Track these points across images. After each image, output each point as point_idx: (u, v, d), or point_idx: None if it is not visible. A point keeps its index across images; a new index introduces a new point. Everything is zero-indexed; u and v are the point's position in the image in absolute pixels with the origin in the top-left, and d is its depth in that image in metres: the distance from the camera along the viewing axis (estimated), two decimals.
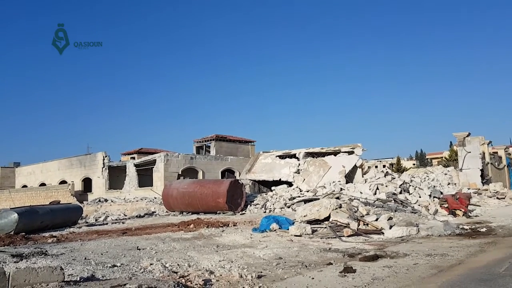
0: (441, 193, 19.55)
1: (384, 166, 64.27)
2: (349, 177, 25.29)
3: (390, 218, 11.44)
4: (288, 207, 19.78)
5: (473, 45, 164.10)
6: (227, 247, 9.03)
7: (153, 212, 22.62)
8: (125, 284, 4.52)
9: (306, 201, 18.13)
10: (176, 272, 6.40)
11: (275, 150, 30.62)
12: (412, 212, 14.59)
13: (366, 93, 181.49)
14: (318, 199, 15.70)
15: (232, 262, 7.16)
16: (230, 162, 35.91)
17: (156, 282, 4.78)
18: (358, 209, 12.76)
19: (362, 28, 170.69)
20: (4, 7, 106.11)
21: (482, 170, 25.38)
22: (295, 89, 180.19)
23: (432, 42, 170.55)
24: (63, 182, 37.67)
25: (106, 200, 29.73)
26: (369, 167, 35.13)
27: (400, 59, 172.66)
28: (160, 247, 9.23)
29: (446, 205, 15.39)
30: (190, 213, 20.40)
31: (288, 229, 10.90)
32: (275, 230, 11.30)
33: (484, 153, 26.69)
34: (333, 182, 23.77)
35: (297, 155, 28.49)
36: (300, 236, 10.30)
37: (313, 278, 5.80)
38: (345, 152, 26.93)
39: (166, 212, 21.93)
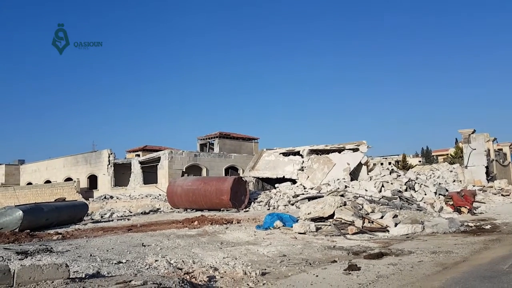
0: (447, 190, 19.48)
1: (389, 164, 64.23)
2: (354, 174, 25.24)
3: (395, 216, 11.41)
4: (292, 204, 19.77)
5: (478, 42, 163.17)
6: (231, 244, 9.05)
7: (158, 209, 22.71)
8: (130, 281, 4.54)
9: (310, 198, 18.11)
10: (181, 269, 6.43)
11: (279, 148, 30.61)
12: (418, 210, 14.53)
13: (371, 90, 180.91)
14: (322, 196, 15.68)
15: (236, 259, 7.18)
16: (234, 160, 35.96)
17: (161, 279, 4.80)
18: (363, 207, 12.73)
19: (368, 24, 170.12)
20: (4, 7, 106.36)
21: (487, 167, 25.28)
22: (298, 86, 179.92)
23: (437, 39, 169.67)
24: (68, 179, 37.86)
25: (111, 197, 29.87)
26: (374, 165, 35.05)
27: (405, 56, 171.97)
28: (165, 244, 9.26)
29: (451, 203, 15.35)
30: (194, 210, 20.46)
31: (292, 227, 10.90)
32: (279, 228, 11.31)
33: (489, 150, 26.58)
34: (338, 179, 23.73)
35: (301, 152, 28.46)
36: (304, 233, 10.30)
37: (317, 276, 5.80)
38: (349, 149, 26.87)
39: (171, 209, 22.00)
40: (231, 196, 19.60)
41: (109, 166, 34.86)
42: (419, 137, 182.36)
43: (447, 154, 67.58)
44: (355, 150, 26.63)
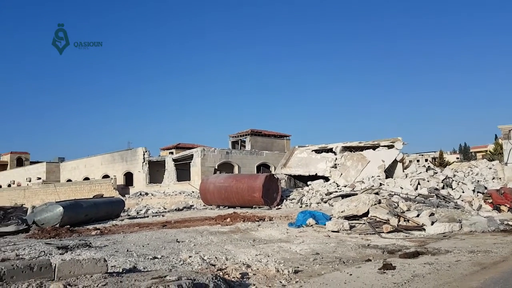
0: (485, 188, 18.75)
1: (426, 160, 62.52)
2: (389, 172, 24.73)
3: (431, 214, 11.10)
4: (325, 202, 19.60)
5: None
6: (264, 242, 9.07)
7: (191, 205, 23.04)
8: (165, 276, 4.63)
9: (343, 196, 17.91)
10: (214, 265, 6.50)
11: (311, 145, 30.39)
12: (455, 208, 14.09)
13: (407, 85, 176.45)
14: (356, 194, 15.47)
15: (268, 256, 7.19)
16: (265, 157, 35.97)
17: (195, 274, 4.87)
18: (398, 205, 12.47)
19: (402, 17, 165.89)
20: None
21: None
22: (331, 83, 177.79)
23: (477, 30, 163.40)
24: (106, 176, 38.95)
25: (146, 194, 30.54)
26: (410, 162, 34.28)
27: (443, 49, 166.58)
28: (199, 240, 9.39)
29: (490, 201, 14.77)
30: (227, 207, 20.63)
31: (325, 225, 10.80)
32: (311, 226, 11.24)
33: None
34: (372, 177, 23.32)
35: (334, 150, 28.14)
36: (337, 231, 10.19)
37: (351, 274, 5.73)
38: (384, 146, 26.35)
39: (204, 205, 22.28)
40: (263, 193, 19.63)
41: (144, 163, 35.63)
42: (457, 134, 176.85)
43: (486, 151, 65.15)
44: (390, 147, 26.09)
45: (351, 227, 10.51)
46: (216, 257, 7.17)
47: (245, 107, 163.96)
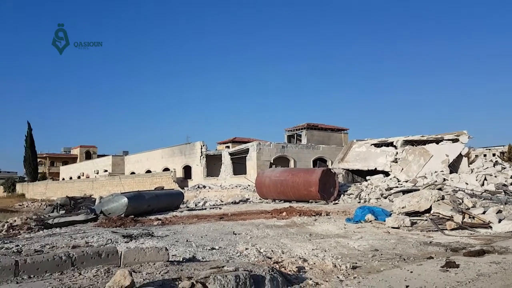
0: None
1: (493, 155, 58.69)
2: (453, 166, 23.51)
3: (499, 211, 10.44)
4: (385, 197, 19.06)
5: None
6: (320, 236, 8.98)
7: (247, 199, 23.34)
8: (223, 266, 4.72)
9: (404, 191, 17.32)
10: (270, 258, 6.54)
11: (370, 138, 29.57)
12: None
13: (472, 73, 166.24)
14: (418, 189, 14.89)
15: (325, 251, 7.11)
16: (322, 151, 35.55)
17: (252, 266, 4.92)
18: (462, 201, 11.84)
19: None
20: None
21: None
22: (390, 72, 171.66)
23: None
24: (166, 169, 40.45)
25: (204, 187, 31.36)
26: (476, 156, 32.38)
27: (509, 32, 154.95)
28: (255, 233, 9.49)
29: None
30: (282, 201, 20.66)
31: (384, 221, 10.50)
32: (370, 221, 10.98)
33: None
34: (435, 172, 22.31)
35: (394, 143, 27.21)
36: (397, 228, 9.87)
37: (411, 272, 5.52)
38: (448, 140, 25.07)
39: (259, 199, 22.47)
40: (320, 188, 19.43)
41: (201, 157, 36.56)
42: None
43: None
44: (455, 140, 24.76)
45: (412, 223, 10.13)
46: (272, 250, 7.21)
47: (301, 101, 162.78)
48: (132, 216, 14.19)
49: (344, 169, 27.43)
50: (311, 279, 5.16)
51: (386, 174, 25.15)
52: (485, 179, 18.51)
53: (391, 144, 27.44)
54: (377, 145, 28.11)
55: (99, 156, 70.99)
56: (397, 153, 25.97)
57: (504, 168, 20.76)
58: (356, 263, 6.13)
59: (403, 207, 11.16)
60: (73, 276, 4.58)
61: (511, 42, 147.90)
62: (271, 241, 8.27)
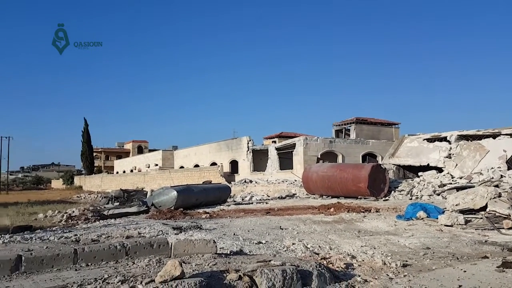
0: None
1: None
2: (511, 163, 22.20)
3: None
4: (438, 194, 18.35)
5: None
6: (369, 233, 8.80)
7: (294, 194, 23.27)
8: (270, 260, 4.75)
9: (458, 188, 16.56)
10: (317, 254, 6.49)
11: (422, 133, 28.52)
12: None
13: None
14: (473, 186, 14.20)
15: (375, 248, 6.95)
16: (372, 146, 34.69)
17: (299, 261, 4.91)
18: None
19: None
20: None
21: None
22: (443, 65, 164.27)
23: None
24: (213, 163, 41.13)
25: (250, 182, 31.60)
26: None
27: None
28: (301, 228, 9.45)
29: None
30: (330, 196, 20.42)
31: (437, 218, 10.11)
32: (422, 219, 10.61)
33: None
34: (491, 168, 21.16)
35: (448, 138, 26.07)
36: (451, 226, 9.47)
37: (465, 271, 5.28)
38: (506, 134, 23.68)
39: (306, 194, 22.34)
40: (369, 183, 19.01)
41: (248, 152, 36.82)
42: None
43: None
44: None
45: (467, 221, 9.67)
46: (319, 246, 7.15)
47: (350, 95, 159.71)
48: (181, 209, 14.58)
49: (395, 164, 26.67)
50: (359, 276, 5.08)
51: (439, 170, 24.19)
52: None
53: (444, 139, 26.33)
54: (430, 140, 27.07)
55: (150, 150, 73.43)
56: (451, 148, 24.89)
57: None
58: (406, 261, 5.96)
59: (457, 205, 10.68)
60: (127, 265, 4.78)
61: None
62: (319, 237, 8.21)
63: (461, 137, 25.67)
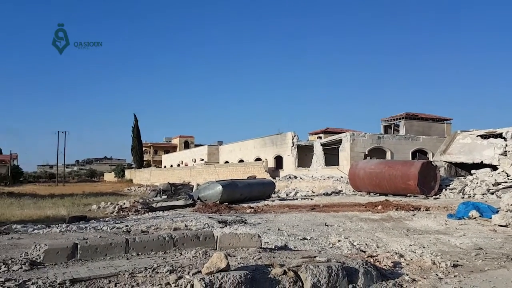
0: None
1: None
2: None
3: None
4: (492, 193, 17.50)
5: None
6: (418, 232, 8.54)
7: (340, 190, 22.95)
8: (315, 257, 4.73)
9: None
10: (364, 251, 6.39)
11: (476, 129, 27.20)
12: None
13: None
14: None
15: (424, 247, 6.75)
16: (422, 142, 33.51)
17: (345, 258, 4.86)
18: None
19: None
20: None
21: None
22: (500, 57, 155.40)
23: None
24: (258, 159, 41.35)
25: (295, 177, 31.49)
26: None
27: None
28: (348, 226, 9.33)
29: None
30: (377, 194, 19.97)
31: (490, 218, 9.65)
32: (474, 218, 10.16)
33: None
34: None
35: (503, 135, 24.71)
36: (505, 226, 9.00)
37: None
38: None
39: (353, 191, 21.97)
40: (419, 181, 18.41)
41: (292, 147, 36.67)
42: None
43: None
44: None
45: None
46: (366, 244, 7.03)
47: (400, 89, 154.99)
48: (226, 203, 14.82)
49: (446, 161, 25.65)
50: (407, 275, 4.95)
51: (494, 168, 22.99)
52: None
53: (499, 136, 24.98)
54: (484, 137, 25.77)
55: (196, 145, 74.99)
56: (506, 145, 23.56)
57: None
58: (457, 261, 5.74)
59: None
60: (175, 255, 4.94)
61: None
62: (365, 235, 8.07)
63: None
